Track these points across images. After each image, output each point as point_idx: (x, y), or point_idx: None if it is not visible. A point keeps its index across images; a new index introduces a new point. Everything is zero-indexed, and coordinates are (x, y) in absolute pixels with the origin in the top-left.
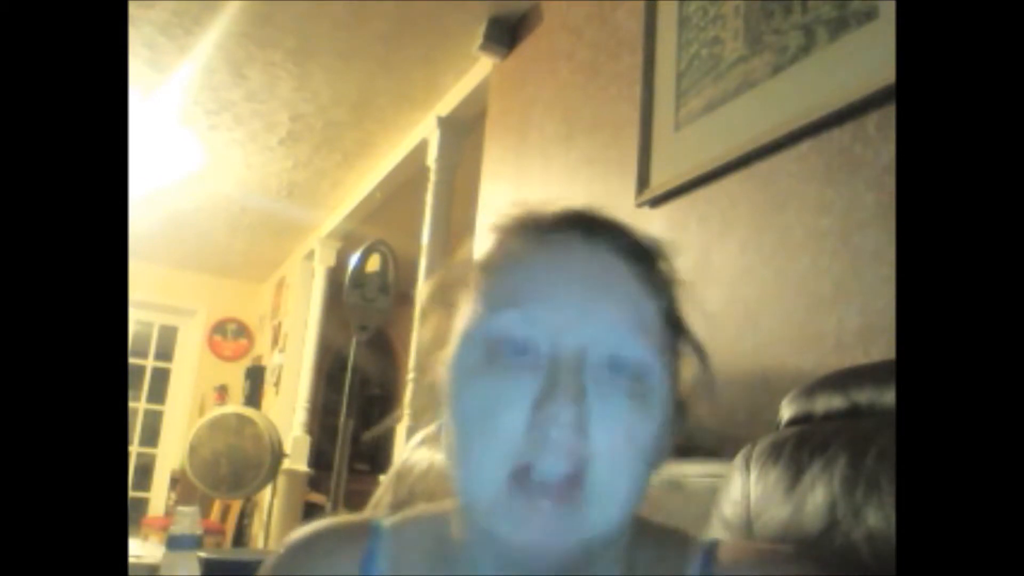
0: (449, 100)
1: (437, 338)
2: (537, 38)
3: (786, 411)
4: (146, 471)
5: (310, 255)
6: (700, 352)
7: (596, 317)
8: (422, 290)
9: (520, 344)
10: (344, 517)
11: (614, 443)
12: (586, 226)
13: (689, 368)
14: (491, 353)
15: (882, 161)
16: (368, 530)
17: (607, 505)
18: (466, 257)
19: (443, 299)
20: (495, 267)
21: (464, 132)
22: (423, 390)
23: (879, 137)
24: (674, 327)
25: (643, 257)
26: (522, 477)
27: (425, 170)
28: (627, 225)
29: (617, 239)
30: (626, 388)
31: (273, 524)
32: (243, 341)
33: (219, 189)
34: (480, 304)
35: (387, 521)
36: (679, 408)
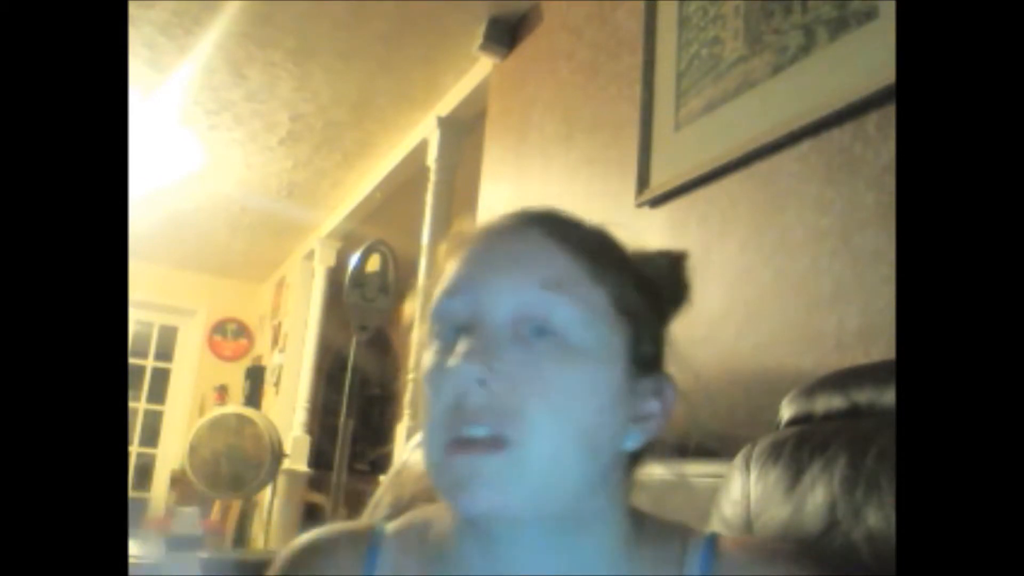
0: (449, 100)
1: (421, 343)
2: (537, 38)
3: (786, 411)
4: (146, 471)
5: (310, 255)
6: (647, 314)
7: (502, 282)
8: (416, 298)
9: (454, 323)
10: (346, 523)
11: (537, 399)
12: (514, 215)
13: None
14: (436, 334)
15: (882, 161)
16: (370, 535)
17: (538, 457)
18: (438, 265)
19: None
20: (450, 266)
21: (464, 132)
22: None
23: (879, 137)
24: (612, 287)
25: (558, 223)
26: (455, 444)
27: (425, 170)
28: (553, 208)
29: (535, 215)
30: (545, 346)
31: (273, 524)
32: (243, 341)
33: (219, 189)
34: (435, 296)
35: (389, 526)
36: (659, 377)
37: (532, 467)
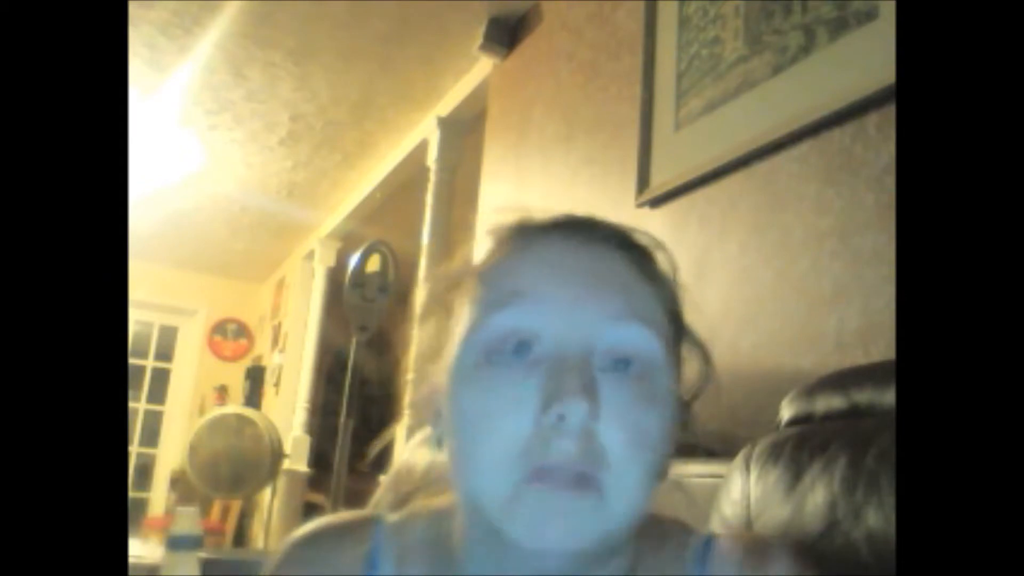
0: (449, 100)
1: (434, 345)
2: (537, 38)
3: (786, 411)
4: (146, 471)
5: (310, 255)
6: (703, 349)
7: (596, 309)
8: (418, 295)
9: (520, 341)
10: (348, 513)
11: (626, 438)
12: (580, 224)
13: (692, 367)
14: (491, 353)
15: (882, 161)
16: (372, 526)
17: (622, 501)
18: (462, 261)
19: (440, 304)
20: (492, 269)
21: (464, 132)
22: (421, 399)
23: (879, 137)
24: (676, 322)
25: (640, 250)
26: (537, 476)
27: (425, 170)
28: (621, 223)
29: (612, 234)
30: (634, 381)
31: (273, 524)
32: (243, 341)
33: (219, 189)
34: (478, 306)
35: (390, 517)
36: (684, 406)
37: (617, 513)
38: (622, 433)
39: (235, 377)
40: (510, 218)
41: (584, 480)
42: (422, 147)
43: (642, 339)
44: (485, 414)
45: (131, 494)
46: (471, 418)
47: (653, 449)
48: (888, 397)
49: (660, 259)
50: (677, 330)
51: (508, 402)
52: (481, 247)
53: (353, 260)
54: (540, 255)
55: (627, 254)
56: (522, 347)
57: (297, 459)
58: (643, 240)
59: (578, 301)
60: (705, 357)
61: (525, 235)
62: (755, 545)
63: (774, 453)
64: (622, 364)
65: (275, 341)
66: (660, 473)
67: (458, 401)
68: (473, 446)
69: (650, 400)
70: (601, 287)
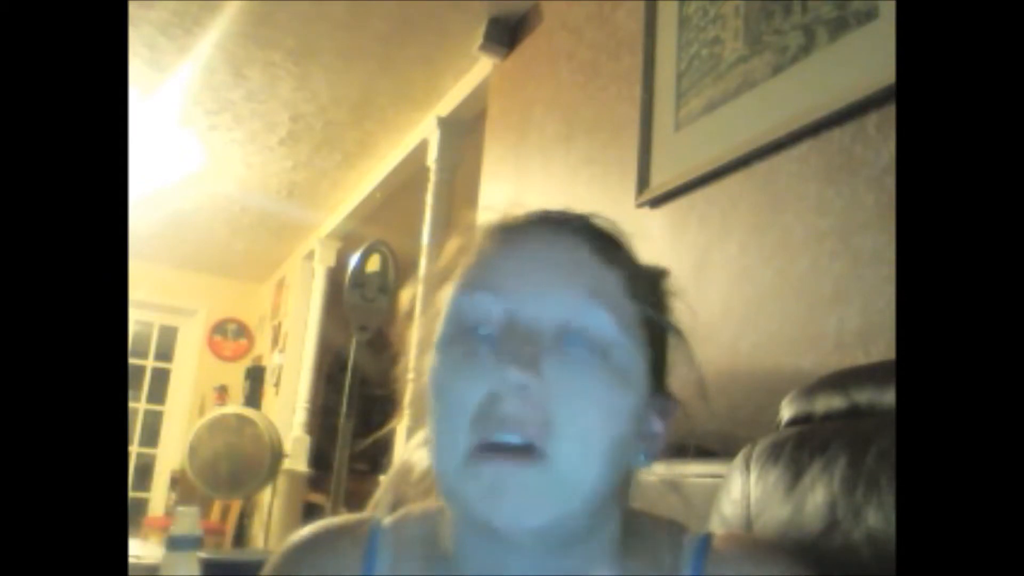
0: (449, 100)
1: (423, 341)
2: (537, 38)
3: (786, 411)
4: (146, 471)
5: (310, 255)
6: (678, 333)
7: (547, 288)
8: (404, 295)
9: (479, 321)
10: (345, 516)
11: (574, 413)
12: (544, 216)
13: (681, 362)
14: (456, 334)
15: (882, 161)
16: (369, 529)
17: (572, 472)
18: (444, 260)
19: (430, 303)
20: (464, 265)
21: (464, 132)
22: (415, 396)
23: (879, 137)
24: (643, 305)
25: (600, 234)
26: (481, 450)
27: (425, 170)
28: (586, 214)
29: (571, 221)
30: (585, 359)
31: (273, 524)
32: (243, 341)
33: (219, 189)
34: (452, 293)
35: (387, 520)
36: (666, 397)
37: (563, 482)
38: (569, 403)
39: (235, 377)
40: (486, 219)
41: (529, 451)
42: (422, 147)
43: (593, 318)
44: (442, 389)
45: (131, 494)
46: (434, 395)
47: (609, 431)
48: (888, 397)
49: (621, 241)
50: (647, 314)
51: (462, 376)
52: (453, 244)
53: (353, 260)
54: (503, 245)
55: (583, 237)
56: (479, 326)
57: (297, 459)
58: (604, 226)
59: (529, 281)
60: (683, 342)
61: (490, 232)
62: (753, 546)
63: (774, 453)
64: (573, 342)
65: (275, 341)
66: (632, 457)
67: (430, 381)
68: (435, 419)
69: (601, 374)
70: (552, 268)
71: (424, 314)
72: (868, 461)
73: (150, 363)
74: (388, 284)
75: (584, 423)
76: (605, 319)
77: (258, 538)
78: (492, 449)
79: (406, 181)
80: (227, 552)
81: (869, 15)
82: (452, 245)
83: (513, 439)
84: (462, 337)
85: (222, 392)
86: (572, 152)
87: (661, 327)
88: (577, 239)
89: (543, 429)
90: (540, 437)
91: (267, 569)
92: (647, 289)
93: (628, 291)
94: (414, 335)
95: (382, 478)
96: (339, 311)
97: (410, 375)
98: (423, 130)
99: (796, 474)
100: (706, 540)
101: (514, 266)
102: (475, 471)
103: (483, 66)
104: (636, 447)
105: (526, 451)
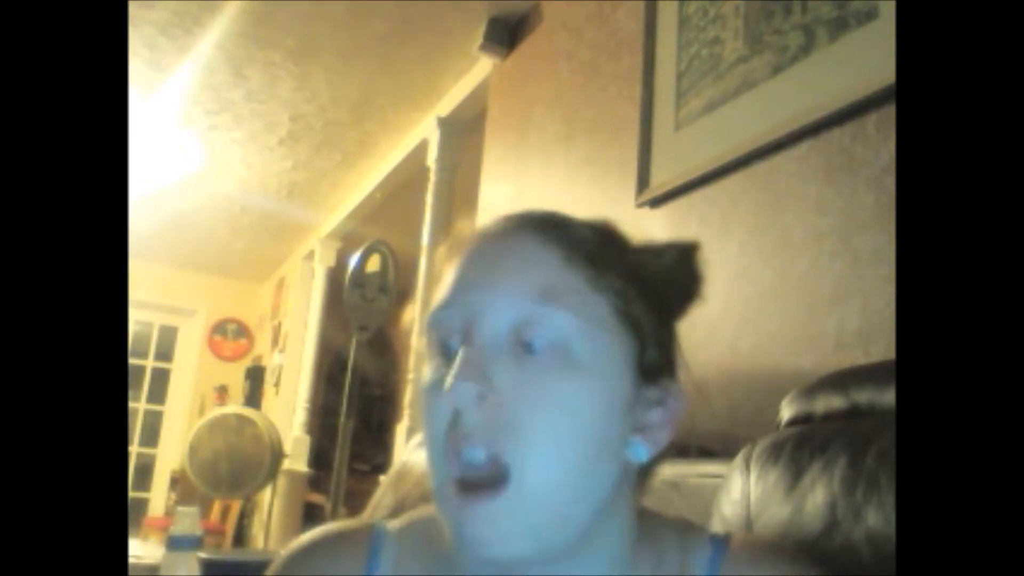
0: (449, 100)
1: (419, 354)
2: (537, 38)
3: (786, 411)
4: (146, 471)
5: (310, 255)
6: (656, 329)
7: (497, 293)
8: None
9: (449, 336)
10: (347, 521)
11: (535, 414)
12: (506, 221)
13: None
14: (433, 352)
15: (882, 161)
16: (371, 534)
17: (544, 487)
18: (437, 272)
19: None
20: (445, 276)
21: (464, 132)
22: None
23: (879, 137)
24: (613, 296)
25: (563, 232)
26: (454, 485)
27: (425, 170)
28: (553, 212)
29: (531, 222)
30: (543, 359)
31: (273, 524)
32: (243, 341)
33: (219, 189)
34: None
35: (389, 525)
36: (663, 387)
37: (537, 498)
38: (529, 405)
39: (235, 377)
40: (467, 227)
41: (495, 478)
42: (422, 147)
43: (544, 313)
44: (421, 409)
45: (131, 494)
46: (421, 414)
47: (582, 436)
48: (888, 397)
49: (606, 241)
50: (622, 307)
51: (431, 396)
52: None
53: (353, 260)
54: (465, 258)
55: (538, 239)
56: (452, 342)
57: (297, 459)
58: (567, 219)
59: (482, 289)
60: (663, 337)
61: (463, 243)
62: (769, 550)
63: (774, 453)
64: (533, 343)
65: (275, 341)
66: (625, 451)
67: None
68: (425, 441)
69: (562, 372)
70: (502, 273)
71: (422, 326)
72: (868, 461)
73: (150, 363)
74: (388, 284)
75: (548, 422)
76: (560, 316)
77: (258, 538)
78: (465, 487)
79: (406, 181)
80: (227, 552)
81: (869, 15)
82: (440, 255)
83: (478, 454)
84: (438, 354)
85: (222, 392)
86: (572, 152)
87: (660, 317)
88: (534, 239)
89: (508, 437)
90: (506, 446)
91: (269, 573)
92: (618, 275)
93: (591, 282)
94: (415, 343)
95: (382, 478)
96: (339, 311)
97: (410, 375)
98: (423, 130)
99: (796, 474)
100: (721, 541)
101: (472, 276)
102: (453, 509)
103: (483, 66)
104: (625, 440)
105: (492, 479)
